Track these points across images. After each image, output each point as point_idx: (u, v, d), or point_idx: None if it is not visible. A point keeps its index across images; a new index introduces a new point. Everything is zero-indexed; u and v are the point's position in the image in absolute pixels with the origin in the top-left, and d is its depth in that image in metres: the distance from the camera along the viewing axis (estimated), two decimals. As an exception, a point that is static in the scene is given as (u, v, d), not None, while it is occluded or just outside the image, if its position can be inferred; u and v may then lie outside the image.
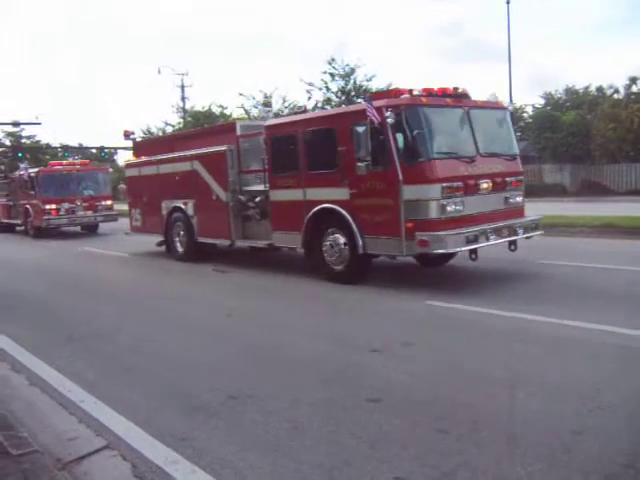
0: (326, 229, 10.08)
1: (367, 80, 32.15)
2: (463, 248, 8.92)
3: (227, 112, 42.73)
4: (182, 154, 13.15)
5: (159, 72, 49.36)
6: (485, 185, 9.18)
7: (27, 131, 56.81)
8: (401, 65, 75.00)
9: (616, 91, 40.53)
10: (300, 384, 5.15)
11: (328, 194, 9.96)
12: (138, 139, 39.14)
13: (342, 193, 9.73)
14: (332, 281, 9.86)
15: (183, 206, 13.21)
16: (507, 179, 9.60)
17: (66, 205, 21.57)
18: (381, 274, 10.33)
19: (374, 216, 9.37)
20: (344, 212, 9.66)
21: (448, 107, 9.45)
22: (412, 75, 70.92)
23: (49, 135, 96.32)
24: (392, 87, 28.16)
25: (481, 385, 4.89)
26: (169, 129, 47.58)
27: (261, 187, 11.45)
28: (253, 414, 4.48)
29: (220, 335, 7.05)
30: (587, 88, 47.42)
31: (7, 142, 58.08)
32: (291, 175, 10.54)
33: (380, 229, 9.32)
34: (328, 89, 32.50)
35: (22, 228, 24.08)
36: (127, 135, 15.95)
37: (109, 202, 22.81)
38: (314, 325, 7.41)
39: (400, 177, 8.91)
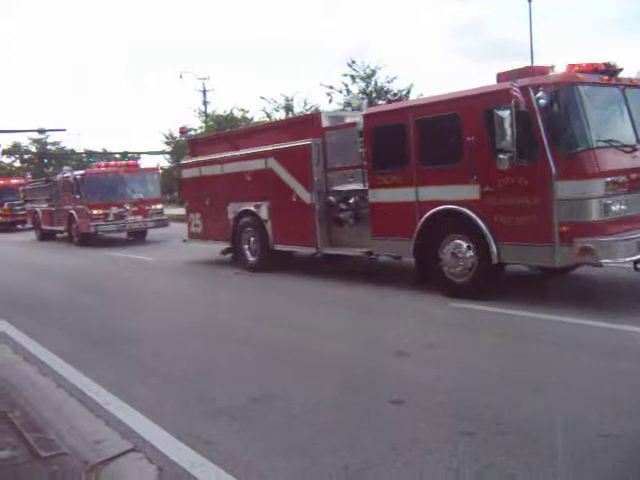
0: (445, 235, 8.13)
1: (388, 82, 30.66)
2: (634, 257, 7.04)
3: (248, 116, 41.58)
4: (254, 151, 11.00)
5: (181, 77, 47.94)
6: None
7: (52, 137, 55.70)
8: (422, 66, 72.80)
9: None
10: (323, 386, 4.99)
11: (449, 193, 7.91)
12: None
13: (469, 191, 7.70)
14: (451, 296, 7.81)
15: (255, 209, 11.12)
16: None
17: (114, 210, 18.90)
18: (402, 275, 9.65)
19: (515, 219, 7.30)
20: (472, 214, 7.60)
21: (607, 86, 7.33)
22: (433, 76, 68.56)
23: (74, 141, 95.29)
24: (413, 89, 27.27)
25: (506, 388, 4.70)
26: (191, 133, 46.44)
27: (356, 186, 9.49)
28: (277, 417, 4.35)
29: (243, 338, 6.76)
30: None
31: (33, 149, 57.25)
32: (398, 171, 8.47)
33: (523, 234, 7.28)
34: (349, 91, 31.41)
35: (65, 235, 21.66)
36: (183, 132, 14.25)
37: (160, 206, 20.16)
38: (337, 327, 7.04)
39: (553, 171, 6.92)
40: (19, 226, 28.96)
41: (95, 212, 18.90)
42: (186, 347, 6.53)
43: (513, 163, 6.99)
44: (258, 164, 10.96)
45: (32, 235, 24.48)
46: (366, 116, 9.02)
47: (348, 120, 10.25)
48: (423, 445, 3.74)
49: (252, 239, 11.41)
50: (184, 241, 13.61)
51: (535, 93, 6.95)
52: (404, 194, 8.46)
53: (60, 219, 21.52)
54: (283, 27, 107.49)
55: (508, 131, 6.93)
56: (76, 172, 20.39)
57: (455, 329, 6.73)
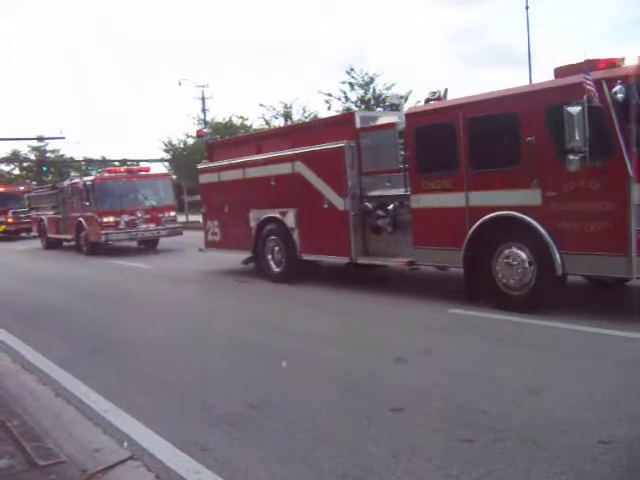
0: (499, 243, 7.30)
1: (387, 89, 30.28)
2: None
3: (248, 123, 40.97)
4: (279, 154, 10.13)
5: (180, 84, 47.31)
6: None
7: (51, 145, 54.67)
8: (420, 71, 72.37)
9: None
10: (322, 393, 4.89)
11: (505, 198, 7.07)
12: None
13: (529, 196, 6.86)
14: (506, 309, 7.02)
15: (280, 217, 10.24)
16: None
17: (125, 217, 17.64)
18: (401, 282, 9.53)
19: (583, 226, 6.47)
20: (532, 221, 6.80)
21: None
22: (431, 81, 68.09)
23: (73, 149, 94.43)
24: (411, 95, 26.74)
25: (506, 394, 4.60)
26: (190, 141, 45.98)
27: (395, 191, 8.65)
28: (275, 424, 4.25)
29: (240, 344, 6.61)
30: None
31: (32, 157, 56.16)
32: (446, 175, 7.66)
33: (592, 243, 6.44)
34: (347, 99, 30.91)
35: (72, 243, 20.49)
36: (200, 135, 13.41)
37: (173, 213, 18.84)
38: (336, 334, 6.86)
39: (630, 173, 6.20)
40: (23, 234, 27.82)
41: (105, 220, 17.69)
42: (185, 355, 6.35)
43: (584, 164, 6.26)
44: (284, 168, 10.14)
45: (37, 243, 23.44)
46: (409, 115, 8.14)
47: (380, 121, 9.52)
48: (422, 452, 3.66)
49: (276, 248, 10.51)
50: (200, 250, 12.61)
51: (610, 87, 6.21)
52: (452, 199, 7.64)
53: (67, 227, 20.41)
54: (281, 30, 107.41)
55: (579, 129, 6.17)
56: (85, 178, 19.47)
57: (454, 335, 6.55)
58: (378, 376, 5.21)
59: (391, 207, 8.57)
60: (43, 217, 22.71)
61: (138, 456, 3.83)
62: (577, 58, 6.66)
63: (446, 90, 8.60)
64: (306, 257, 10.00)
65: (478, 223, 7.34)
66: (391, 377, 5.18)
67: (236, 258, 11.94)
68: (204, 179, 12.33)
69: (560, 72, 7.03)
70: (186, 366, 5.86)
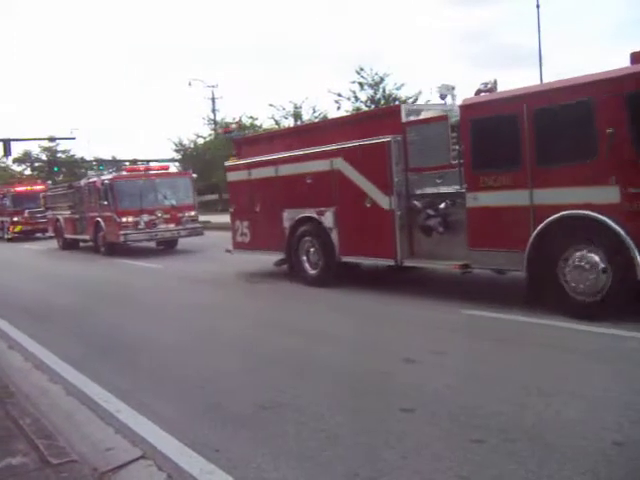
0: (568, 245, 6.60)
1: (396, 89, 29.89)
2: None
3: (257, 123, 40.54)
4: (316, 150, 9.44)
5: (190, 85, 47.15)
6: None
7: (62, 146, 54.57)
8: (429, 72, 71.54)
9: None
10: (333, 394, 4.79)
11: (576, 196, 6.39)
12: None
13: (605, 194, 6.18)
14: (575, 316, 6.35)
15: (317, 216, 9.57)
16: None
17: (145, 217, 16.92)
18: (415, 283, 9.30)
19: None
20: (609, 221, 6.14)
21: None
22: (440, 81, 67.21)
23: (83, 149, 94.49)
24: (421, 95, 26.27)
25: (517, 395, 4.47)
26: (200, 141, 45.70)
27: (446, 188, 7.96)
28: (286, 424, 4.17)
29: (250, 345, 6.53)
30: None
31: (43, 157, 56.12)
32: (507, 171, 6.99)
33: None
34: (357, 99, 30.47)
35: (89, 244, 19.83)
36: (228, 132, 12.88)
37: (193, 213, 18.04)
38: (346, 334, 6.76)
39: None
40: (39, 234, 27.15)
41: (124, 220, 16.98)
42: (197, 355, 6.24)
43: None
44: (322, 165, 9.49)
45: (54, 244, 22.79)
46: (465, 107, 7.43)
47: (425, 114, 8.90)
48: (433, 452, 3.62)
49: (312, 249, 9.83)
50: (228, 251, 11.86)
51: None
52: (514, 197, 6.96)
53: (84, 227, 19.69)
54: (290, 30, 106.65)
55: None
56: (104, 177, 18.89)
57: (466, 336, 6.39)
58: (389, 376, 5.15)
59: (442, 206, 7.93)
60: (59, 217, 22.10)
61: (150, 455, 3.79)
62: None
63: (495, 81, 8.01)
64: (345, 259, 9.36)
65: (544, 223, 6.69)
66: (402, 377, 5.10)
67: (268, 260, 11.36)
68: (232, 177, 11.66)
69: (637, 57, 6.41)
70: (198, 366, 5.79)
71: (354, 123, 9.56)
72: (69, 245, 21.44)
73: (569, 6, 73.19)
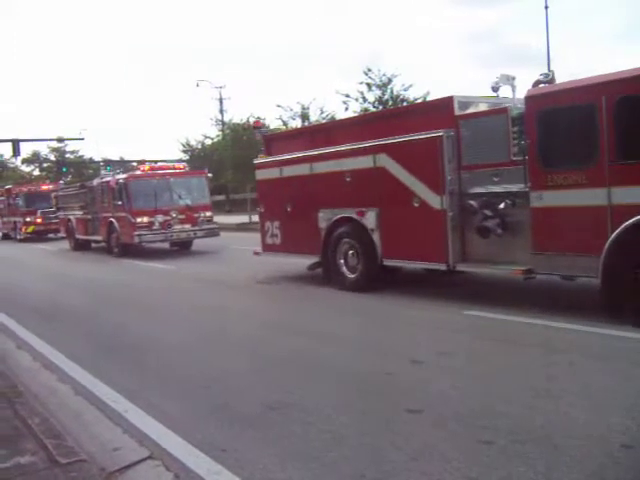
0: (651, 250, 6.22)
1: (404, 90, 29.36)
2: None
3: (265, 124, 40.13)
4: (357, 146, 8.77)
5: (197, 85, 46.61)
6: None
7: (70, 146, 54.67)
8: (437, 73, 71.09)
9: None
10: (339, 394, 4.73)
11: None
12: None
13: None
14: None
15: (357, 217, 8.88)
16: None
17: (160, 218, 16.32)
18: (416, 285, 9.15)
19: None
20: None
21: None
22: (448, 82, 66.75)
23: (92, 150, 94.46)
24: (430, 96, 25.91)
25: (523, 396, 4.40)
26: (208, 142, 45.31)
27: (505, 187, 7.23)
28: (293, 425, 4.14)
29: (258, 345, 6.48)
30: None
31: (52, 157, 56.16)
32: (580, 168, 6.33)
33: None
34: (365, 99, 29.97)
35: (101, 245, 19.22)
36: (258, 127, 12.31)
37: (209, 213, 17.41)
38: (352, 336, 6.70)
39: None
40: (51, 235, 26.47)
41: (139, 220, 16.36)
42: (205, 356, 6.18)
43: None
44: (363, 162, 8.84)
45: (65, 244, 22.26)
46: (531, 98, 6.71)
47: (474, 107, 8.28)
48: (440, 454, 3.55)
49: (351, 252, 9.19)
50: (256, 254, 11.20)
51: None
52: (589, 197, 6.28)
53: (97, 228, 19.09)
54: (296, 31, 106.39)
55: None
56: (118, 176, 18.33)
57: (470, 337, 6.30)
58: (394, 377, 5.09)
59: (501, 206, 7.33)
60: (71, 217, 21.55)
61: (157, 455, 3.76)
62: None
63: (553, 72, 7.42)
64: (388, 262, 8.72)
65: (626, 224, 6.08)
66: (408, 378, 5.04)
67: (295, 262, 10.79)
68: (262, 175, 11.02)
69: None
70: (206, 367, 5.73)
71: (399, 117, 8.87)
72: (81, 246, 20.82)
73: (577, 6, 72.66)
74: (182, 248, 18.14)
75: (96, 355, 6.43)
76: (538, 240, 6.86)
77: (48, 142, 51.63)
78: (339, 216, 9.28)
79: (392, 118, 8.94)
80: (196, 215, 17.13)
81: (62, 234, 23.49)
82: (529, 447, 3.56)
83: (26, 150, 53.01)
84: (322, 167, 9.55)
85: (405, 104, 27.16)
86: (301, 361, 5.75)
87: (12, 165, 57.23)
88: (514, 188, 7.19)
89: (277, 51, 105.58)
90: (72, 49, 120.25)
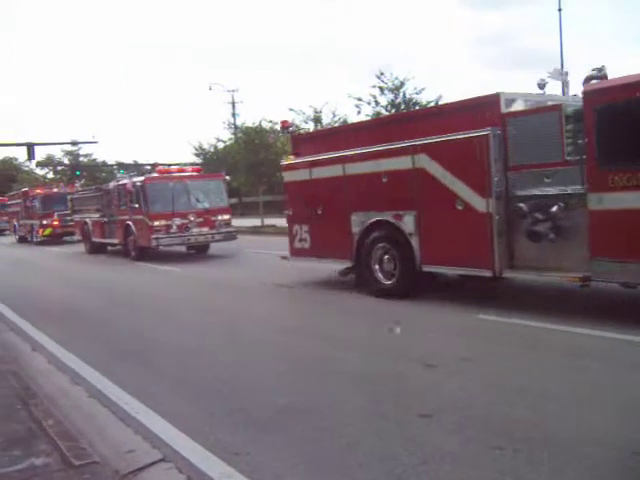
0: None
1: (417, 93, 29.00)
2: None
3: (277, 127, 39.97)
4: (394, 146, 8.33)
5: (210, 89, 46.59)
6: None
7: (84, 150, 54.84)
8: (448, 76, 70.64)
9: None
10: (352, 399, 4.68)
11: None
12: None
13: None
14: None
15: (394, 220, 8.47)
16: None
17: (178, 221, 16.08)
18: (431, 289, 8.78)
19: None
20: None
21: None
22: (460, 85, 66.26)
23: (105, 153, 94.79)
24: (442, 99, 25.62)
25: (538, 401, 4.35)
26: (220, 145, 45.18)
27: (559, 189, 6.80)
28: (306, 429, 4.11)
29: (272, 349, 6.42)
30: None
31: (66, 160, 56.26)
32: None
33: None
34: (377, 103, 29.72)
35: (117, 248, 18.98)
36: (285, 127, 12.00)
37: (227, 216, 17.12)
38: (366, 340, 6.62)
39: None
40: (66, 238, 26.20)
41: (157, 223, 16.04)
42: (217, 359, 6.15)
43: None
44: (401, 163, 8.42)
45: (80, 247, 21.97)
46: (590, 94, 6.29)
47: (517, 105, 7.85)
48: (453, 459, 3.52)
49: (386, 257, 8.78)
50: (284, 259, 10.76)
51: None
52: (657, 199, 6.00)
53: (113, 231, 18.73)
54: (306, 35, 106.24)
55: None
56: (135, 179, 18.10)
57: (485, 342, 6.23)
58: (408, 382, 5.06)
59: (554, 209, 6.91)
60: (87, 220, 21.33)
61: (170, 458, 3.75)
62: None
63: (604, 67, 7.01)
64: (427, 268, 8.27)
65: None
66: (421, 383, 5.00)
67: (326, 268, 10.45)
68: (290, 177, 10.62)
69: None
70: (219, 370, 5.69)
71: (439, 115, 8.40)
72: (96, 249, 20.54)
73: (590, 9, 72.02)
74: (199, 252, 17.78)
75: (110, 358, 6.40)
76: (597, 245, 6.42)
77: (62, 145, 51.82)
78: (374, 219, 8.87)
79: (431, 117, 8.51)
80: (214, 218, 16.80)
81: (78, 237, 23.26)
82: (543, 454, 3.50)
83: (40, 154, 53.26)
84: (356, 168, 9.15)
85: (417, 107, 26.98)
86: (316, 365, 5.70)
87: (26, 168, 57.54)
88: (568, 190, 6.75)
89: (289, 54, 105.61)
90: (86, 53, 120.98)
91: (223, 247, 17.72)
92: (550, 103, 7.34)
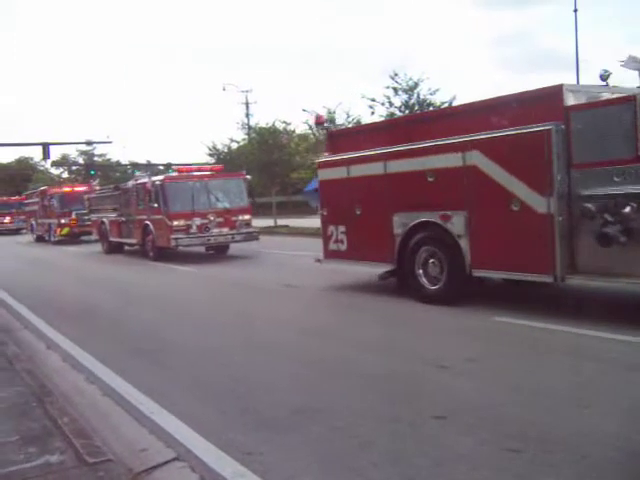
0: None
1: (431, 94, 28.52)
2: None
3: (291, 128, 39.64)
4: (442, 142, 7.83)
5: (224, 89, 46.42)
6: None
7: (98, 149, 55.08)
8: (463, 76, 70.00)
9: None
10: (366, 400, 4.66)
11: None
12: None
13: None
14: None
15: (441, 221, 7.94)
16: None
17: (197, 221, 15.70)
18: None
19: None
20: None
21: None
22: (475, 86, 65.66)
23: (119, 153, 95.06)
24: (456, 100, 25.28)
25: (550, 404, 4.32)
26: (234, 145, 44.91)
27: (632, 188, 6.27)
28: (319, 429, 4.10)
29: (287, 350, 6.37)
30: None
31: (80, 160, 56.47)
32: None
33: None
34: (391, 104, 29.24)
35: (134, 248, 18.61)
36: (320, 122, 11.53)
37: (247, 217, 16.72)
38: (380, 341, 6.54)
39: None
40: (83, 237, 25.83)
41: (176, 223, 15.62)
42: (232, 359, 6.13)
43: None
44: (450, 160, 7.88)
45: (97, 247, 21.61)
46: None
47: (577, 98, 7.32)
48: (467, 461, 3.47)
49: (432, 260, 8.20)
50: (318, 261, 10.21)
51: None
52: None
53: (131, 230, 18.28)
54: (321, 35, 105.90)
55: None
56: (154, 177, 17.69)
57: (500, 344, 6.18)
58: (422, 383, 5.03)
59: (627, 210, 6.39)
60: (104, 220, 20.97)
61: (183, 457, 3.74)
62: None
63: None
64: (478, 273, 7.73)
65: None
66: (435, 385, 4.95)
67: (365, 271, 9.96)
68: (325, 175, 10.10)
69: None
70: (233, 370, 5.68)
71: (491, 110, 7.93)
72: (114, 249, 20.12)
73: (608, 10, 71.21)
74: (218, 252, 17.32)
75: (124, 357, 6.41)
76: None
77: (77, 145, 52.10)
78: (419, 220, 8.35)
79: (483, 111, 7.99)
80: (234, 219, 16.35)
81: (94, 237, 22.96)
82: (559, 457, 3.46)
83: (55, 153, 53.44)
84: (399, 166, 8.65)
85: (431, 108, 26.56)
86: (330, 366, 5.66)
87: (42, 168, 57.86)
88: (643, 189, 6.23)
89: (298, 55, 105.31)
90: (101, 53, 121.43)
91: (243, 248, 17.33)
92: (616, 95, 6.79)
